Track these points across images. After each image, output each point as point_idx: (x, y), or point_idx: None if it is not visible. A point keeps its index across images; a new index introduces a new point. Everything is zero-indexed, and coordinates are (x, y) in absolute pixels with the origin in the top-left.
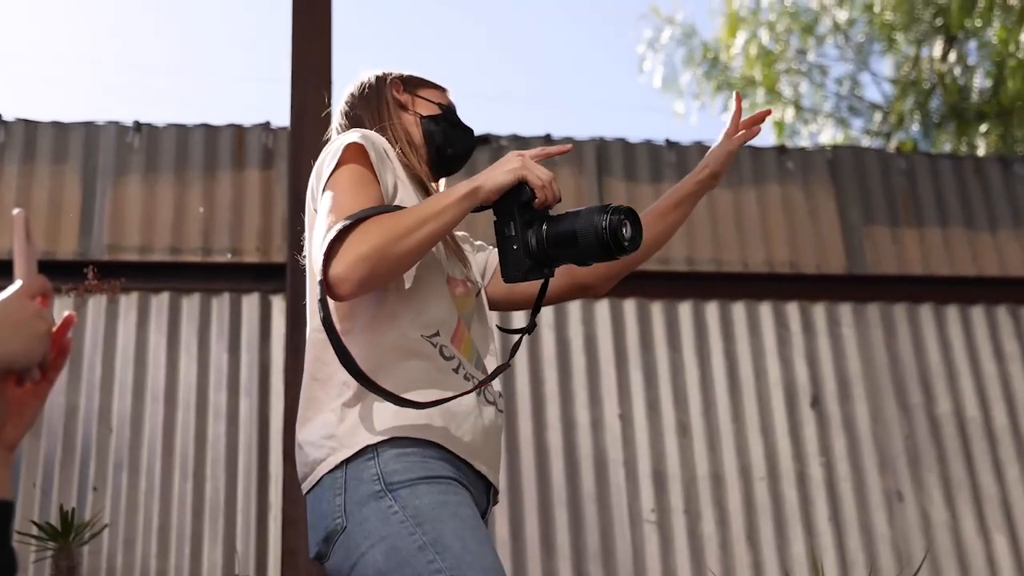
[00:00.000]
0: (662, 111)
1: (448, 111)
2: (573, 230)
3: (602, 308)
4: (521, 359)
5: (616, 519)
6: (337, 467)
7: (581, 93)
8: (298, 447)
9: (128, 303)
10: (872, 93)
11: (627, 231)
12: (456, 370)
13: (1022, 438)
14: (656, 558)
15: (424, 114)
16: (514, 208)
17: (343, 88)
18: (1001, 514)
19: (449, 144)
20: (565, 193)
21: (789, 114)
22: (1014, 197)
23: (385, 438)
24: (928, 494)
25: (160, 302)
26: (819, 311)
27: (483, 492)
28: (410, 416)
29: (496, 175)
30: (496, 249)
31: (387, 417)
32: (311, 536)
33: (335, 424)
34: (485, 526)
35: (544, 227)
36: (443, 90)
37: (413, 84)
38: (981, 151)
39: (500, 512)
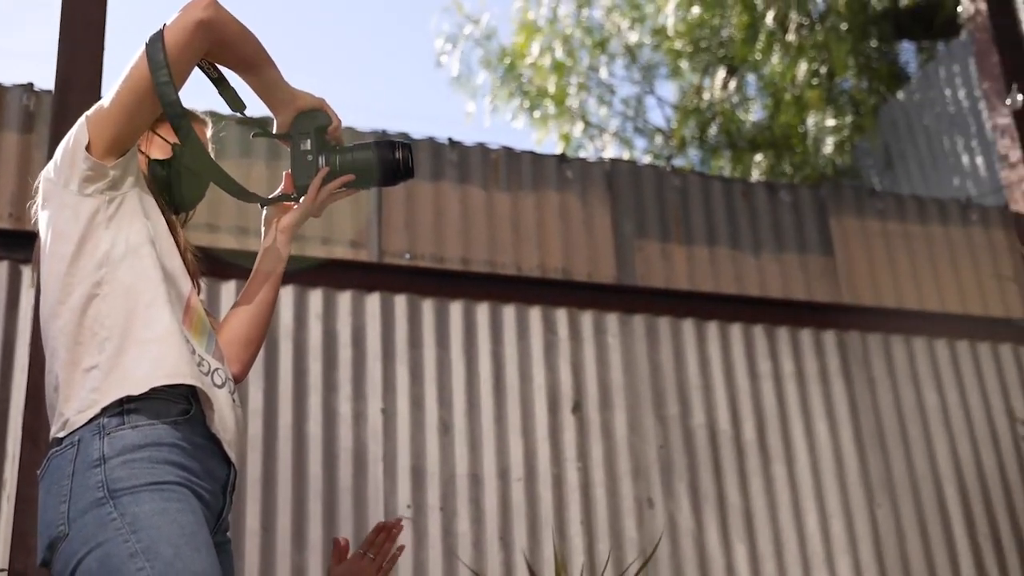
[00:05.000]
0: (455, 109)
1: (179, 155)
2: (369, 161)
3: (372, 301)
4: (285, 348)
5: (371, 514)
6: (73, 451)
7: (372, 82)
8: (63, 419)
9: None
10: (656, 116)
11: (411, 161)
12: (198, 365)
13: (768, 452)
14: (409, 554)
15: (152, 156)
16: (311, 129)
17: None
18: (743, 524)
19: (169, 192)
20: None
21: (577, 129)
22: (778, 222)
23: (144, 390)
24: (677, 502)
25: None
26: (587, 319)
27: (220, 487)
28: (170, 365)
29: (307, 95)
30: None
31: (147, 369)
32: (39, 543)
33: (100, 379)
34: (218, 524)
35: (337, 156)
36: (201, 123)
37: (155, 120)
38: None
39: (252, 503)
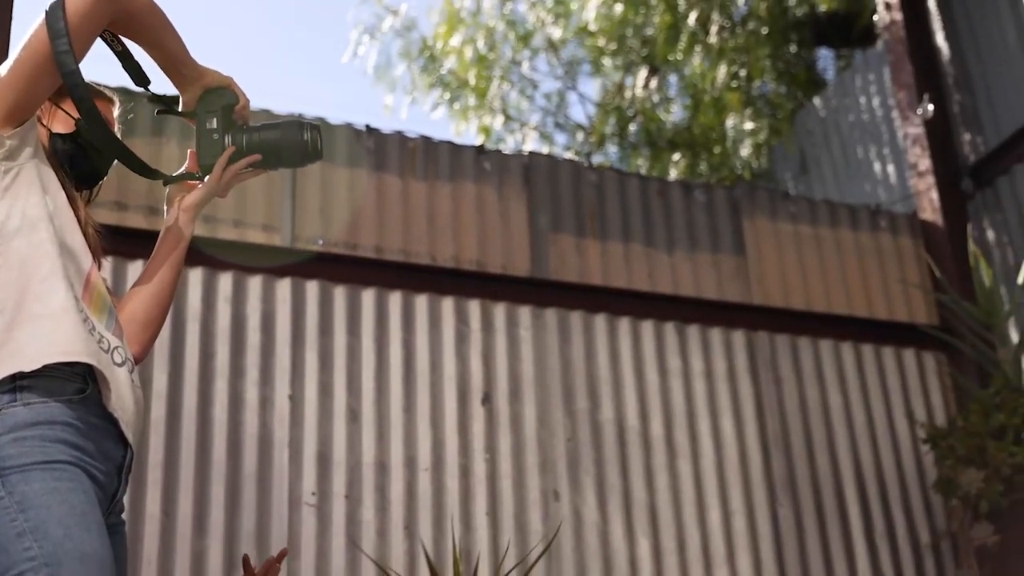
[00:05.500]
0: (374, 101)
1: (83, 130)
2: (277, 142)
3: (283, 287)
4: (192, 330)
5: (275, 501)
6: None
7: (291, 70)
8: None
9: None
10: (577, 112)
11: (320, 142)
12: (98, 343)
13: (674, 449)
14: (312, 542)
15: (55, 130)
16: (218, 107)
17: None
18: (648, 519)
19: (73, 166)
20: None
21: (497, 122)
22: (692, 221)
23: (37, 367)
24: (583, 496)
25: None
26: (500, 311)
27: (115, 468)
28: (64, 342)
29: (214, 72)
30: None
31: (40, 345)
32: None
33: None
34: (112, 505)
35: (244, 135)
36: (106, 100)
37: (59, 92)
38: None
39: (152, 487)
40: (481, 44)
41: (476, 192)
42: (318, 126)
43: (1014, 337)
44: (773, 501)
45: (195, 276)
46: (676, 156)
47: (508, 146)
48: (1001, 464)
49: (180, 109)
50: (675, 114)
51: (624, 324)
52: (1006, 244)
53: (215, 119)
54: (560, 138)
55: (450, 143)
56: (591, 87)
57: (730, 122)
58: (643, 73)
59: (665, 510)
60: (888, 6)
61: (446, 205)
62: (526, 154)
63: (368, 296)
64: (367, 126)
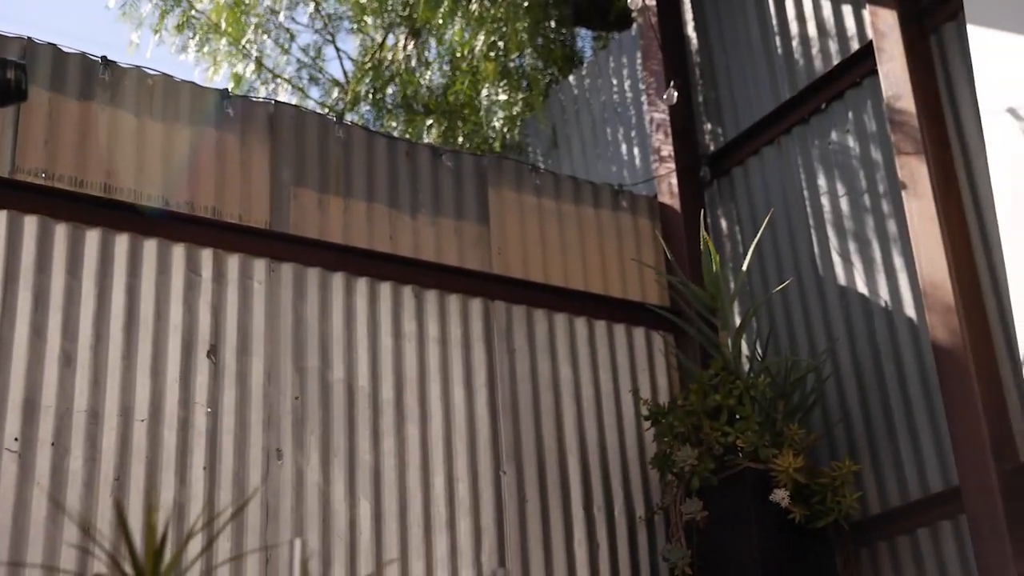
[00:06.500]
0: (119, 38)
1: None
2: None
3: None
4: None
5: None
6: None
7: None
8: None
9: None
10: (335, 68)
11: (25, 82)
12: None
13: (403, 412)
14: (11, 491)
15: None
16: None
17: None
18: (371, 481)
19: None
20: None
21: (249, 69)
22: (438, 186)
23: None
24: (307, 455)
25: None
26: (233, 262)
27: None
28: None
29: None
30: None
31: None
32: None
33: None
34: None
35: None
36: None
37: None
38: None
39: None
40: None
41: (217, 137)
42: (23, 65)
43: (736, 322)
44: (497, 468)
45: None
46: (430, 122)
47: (259, 96)
48: (714, 443)
49: None
50: (433, 79)
51: (362, 284)
52: (736, 232)
53: None
54: (315, 93)
55: (193, 84)
56: (351, 44)
57: (485, 92)
58: (404, 35)
59: (389, 473)
60: None
61: (184, 148)
62: (272, 103)
63: (92, 236)
64: (103, 58)
